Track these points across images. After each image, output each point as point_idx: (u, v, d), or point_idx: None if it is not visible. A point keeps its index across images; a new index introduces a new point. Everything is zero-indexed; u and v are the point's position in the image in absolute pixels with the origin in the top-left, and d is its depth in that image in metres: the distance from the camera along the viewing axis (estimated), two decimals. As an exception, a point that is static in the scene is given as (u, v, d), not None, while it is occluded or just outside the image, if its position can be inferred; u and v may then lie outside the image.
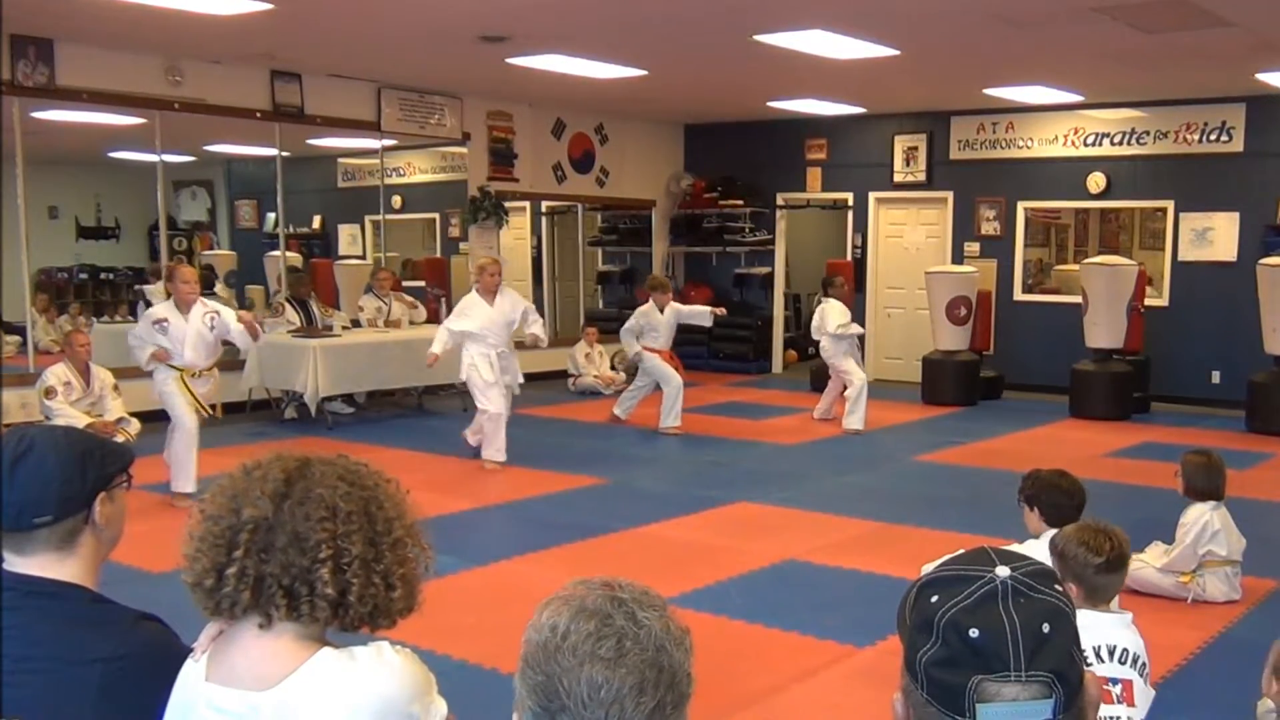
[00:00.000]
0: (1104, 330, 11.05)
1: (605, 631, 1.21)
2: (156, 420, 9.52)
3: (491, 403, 8.42)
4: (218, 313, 7.39)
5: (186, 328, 7.20)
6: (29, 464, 1.81)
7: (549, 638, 1.22)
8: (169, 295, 7.51)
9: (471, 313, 8.51)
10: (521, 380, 8.96)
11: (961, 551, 1.17)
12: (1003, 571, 1.09)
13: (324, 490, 1.65)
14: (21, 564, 1.81)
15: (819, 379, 12.79)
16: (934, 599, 1.10)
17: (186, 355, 7.22)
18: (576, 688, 1.19)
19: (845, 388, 10.30)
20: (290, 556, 1.61)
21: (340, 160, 13.96)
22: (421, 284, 12.99)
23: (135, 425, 8.50)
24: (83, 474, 1.84)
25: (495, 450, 8.42)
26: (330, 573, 1.61)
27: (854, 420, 10.03)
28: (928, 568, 1.21)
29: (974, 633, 1.06)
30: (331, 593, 1.61)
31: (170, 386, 7.30)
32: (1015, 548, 2.07)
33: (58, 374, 8.31)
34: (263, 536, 1.62)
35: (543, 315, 14.83)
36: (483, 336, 8.46)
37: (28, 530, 1.80)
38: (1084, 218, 13.51)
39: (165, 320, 7.19)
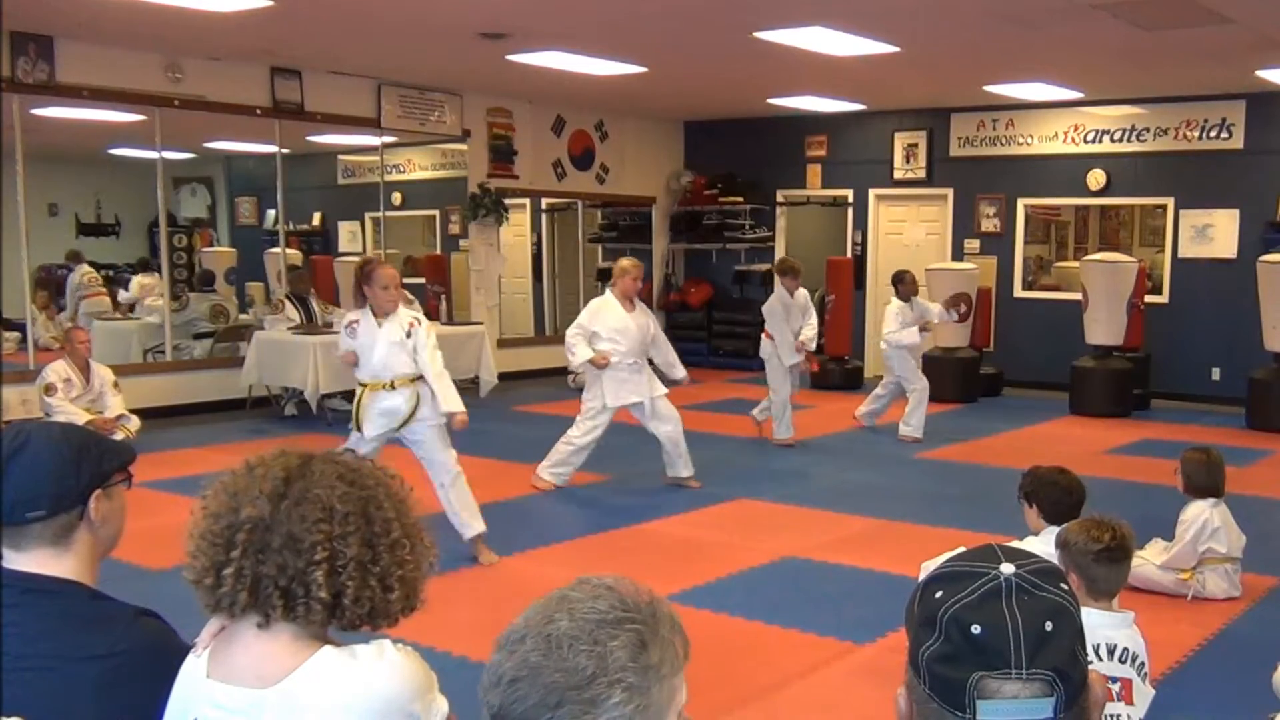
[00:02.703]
0: (1104, 327, 11.05)
1: (523, 625, 1.23)
2: (157, 417, 9.55)
3: (589, 433, 7.58)
4: (418, 321, 6.13)
5: (377, 333, 6.04)
6: (24, 458, 1.80)
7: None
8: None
9: (605, 315, 7.58)
10: (664, 392, 7.77)
11: (965, 548, 1.17)
12: (1007, 569, 1.09)
13: (322, 490, 1.63)
14: (19, 560, 1.81)
15: (819, 376, 12.81)
16: (938, 594, 1.10)
17: (373, 362, 6.05)
18: (486, 672, 1.22)
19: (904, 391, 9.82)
20: (285, 558, 1.60)
21: (340, 157, 13.95)
22: (421, 281, 12.99)
23: (135, 422, 8.51)
24: (77, 470, 1.83)
25: (556, 471, 7.65)
26: (325, 575, 1.60)
27: (911, 429, 9.55)
28: (928, 565, 1.21)
29: (976, 629, 1.06)
30: (325, 595, 1.60)
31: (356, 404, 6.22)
32: (1014, 544, 2.08)
33: (58, 371, 8.33)
34: (259, 537, 1.61)
35: (543, 312, 14.98)
36: (613, 343, 7.52)
37: (22, 525, 1.80)
38: (1084, 214, 13.51)
39: (356, 323, 6.16)
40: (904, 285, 9.78)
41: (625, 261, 7.81)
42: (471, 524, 6.00)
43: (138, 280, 12.32)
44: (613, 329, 7.53)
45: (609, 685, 1.19)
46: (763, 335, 9.33)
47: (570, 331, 7.71)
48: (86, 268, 12.35)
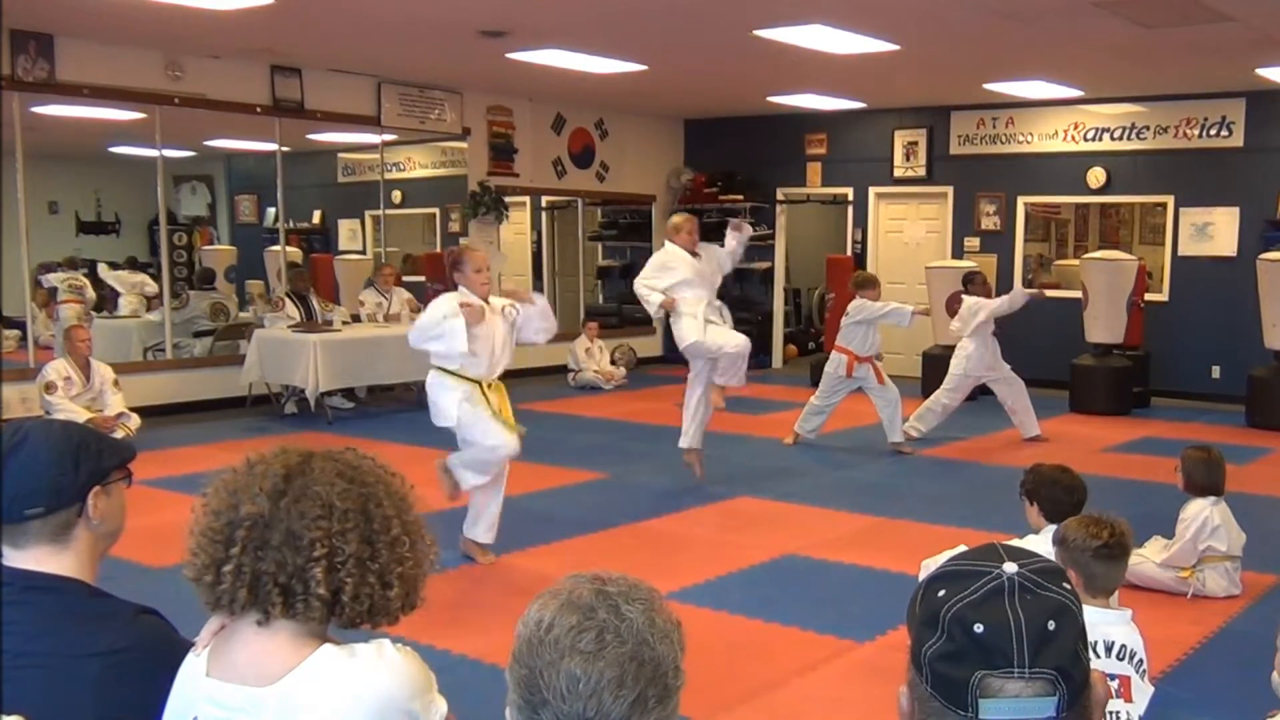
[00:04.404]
0: (1104, 325, 11.05)
1: (587, 625, 1.22)
2: (156, 415, 9.55)
3: (698, 387, 7.63)
4: (514, 308, 5.86)
5: (494, 320, 5.61)
6: (22, 455, 1.80)
7: (534, 631, 1.24)
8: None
9: (675, 265, 7.41)
10: (736, 345, 7.76)
11: (967, 547, 1.17)
12: (1010, 568, 1.09)
13: (321, 488, 1.64)
14: (18, 558, 1.81)
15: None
16: (941, 593, 1.10)
17: (488, 360, 5.73)
18: (556, 681, 1.20)
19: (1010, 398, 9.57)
20: (285, 555, 1.60)
21: (340, 155, 13.94)
22: (421, 279, 12.98)
23: (135, 420, 8.52)
24: (75, 467, 1.83)
25: (689, 436, 7.68)
26: (324, 572, 1.60)
27: (898, 433, 9.03)
28: (929, 563, 1.21)
29: (979, 628, 1.06)
30: (324, 592, 1.60)
31: (466, 407, 5.69)
32: (1015, 543, 2.08)
33: (58, 369, 8.33)
34: (259, 534, 1.61)
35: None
36: (689, 284, 7.42)
37: (20, 522, 1.80)
38: (1084, 213, 13.50)
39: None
40: (974, 285, 9.70)
41: (678, 218, 7.73)
42: (485, 534, 5.95)
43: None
44: (685, 277, 7.43)
45: (677, 673, 1.22)
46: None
47: (640, 286, 7.58)
48: (64, 274, 12.25)
